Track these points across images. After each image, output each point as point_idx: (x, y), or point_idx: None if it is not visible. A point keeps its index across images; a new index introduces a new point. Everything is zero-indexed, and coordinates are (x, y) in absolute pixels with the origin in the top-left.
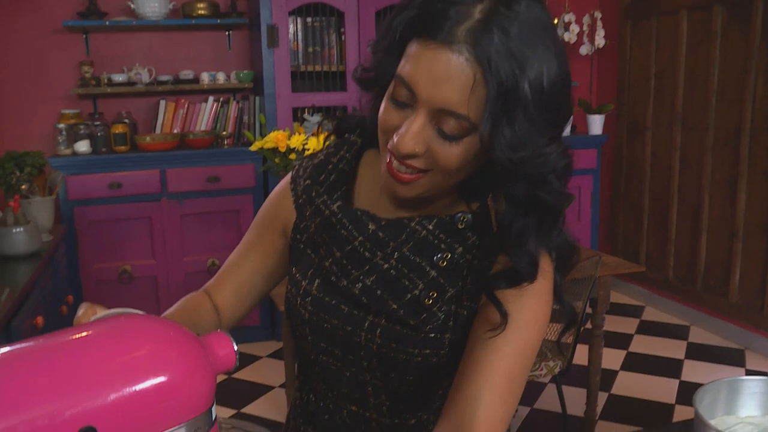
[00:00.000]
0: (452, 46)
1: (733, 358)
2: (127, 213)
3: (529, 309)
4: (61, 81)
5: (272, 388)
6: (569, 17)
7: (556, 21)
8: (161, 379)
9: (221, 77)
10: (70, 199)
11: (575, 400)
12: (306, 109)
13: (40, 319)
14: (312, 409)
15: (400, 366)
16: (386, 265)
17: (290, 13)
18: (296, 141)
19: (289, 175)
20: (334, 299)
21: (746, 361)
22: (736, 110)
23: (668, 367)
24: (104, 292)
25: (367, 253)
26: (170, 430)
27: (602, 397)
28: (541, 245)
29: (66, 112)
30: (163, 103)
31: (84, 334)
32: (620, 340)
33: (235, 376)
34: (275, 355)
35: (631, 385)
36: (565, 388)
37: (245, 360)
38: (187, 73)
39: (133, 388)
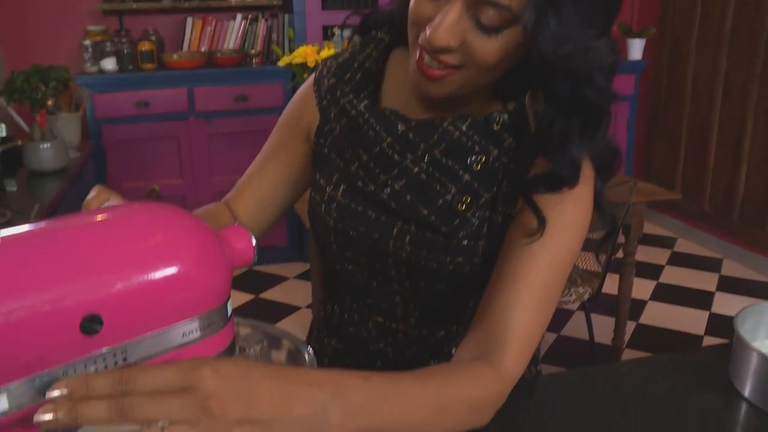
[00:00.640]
0: None
1: (766, 291)
2: (155, 132)
3: (569, 215)
4: None
5: (299, 308)
6: None
7: None
8: (173, 268)
9: None
10: (98, 117)
11: (603, 328)
12: (336, 28)
13: None
14: (336, 321)
15: (431, 275)
16: (416, 169)
17: None
18: (326, 55)
19: (312, 76)
20: (361, 205)
21: None
22: None
23: (699, 299)
24: None
25: (396, 156)
26: (181, 322)
27: (630, 326)
28: (584, 148)
29: (92, 28)
30: (189, 20)
31: (93, 218)
32: (651, 271)
33: (262, 296)
34: (302, 276)
35: (660, 315)
36: (594, 317)
37: (272, 281)
38: None
39: (143, 277)
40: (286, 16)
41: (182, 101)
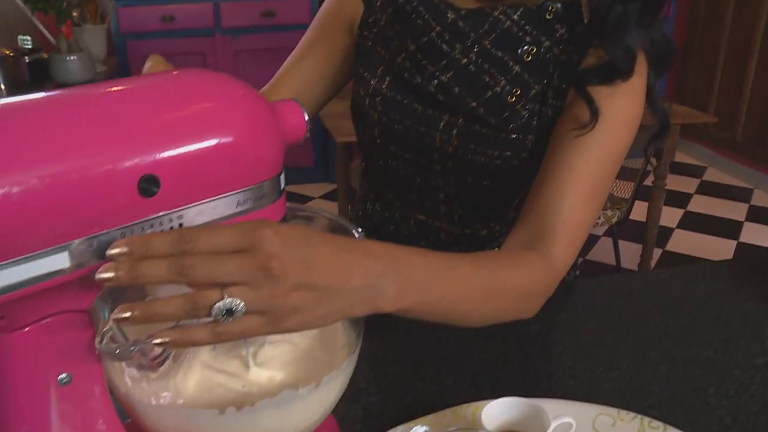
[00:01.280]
0: None
1: None
2: (180, 48)
3: (621, 108)
4: None
5: None
6: None
7: None
8: (228, 135)
9: None
10: (122, 32)
11: (630, 254)
12: None
13: None
14: (377, 219)
15: (478, 170)
16: (465, 60)
17: None
18: None
19: None
20: (407, 98)
21: None
22: None
23: (727, 228)
24: None
25: (444, 46)
26: (236, 191)
27: (657, 253)
28: (640, 38)
29: None
30: None
31: (151, 81)
32: (679, 199)
33: None
34: (328, 196)
35: (687, 242)
36: (620, 243)
37: (298, 200)
38: None
39: (199, 142)
40: None
41: (208, 16)
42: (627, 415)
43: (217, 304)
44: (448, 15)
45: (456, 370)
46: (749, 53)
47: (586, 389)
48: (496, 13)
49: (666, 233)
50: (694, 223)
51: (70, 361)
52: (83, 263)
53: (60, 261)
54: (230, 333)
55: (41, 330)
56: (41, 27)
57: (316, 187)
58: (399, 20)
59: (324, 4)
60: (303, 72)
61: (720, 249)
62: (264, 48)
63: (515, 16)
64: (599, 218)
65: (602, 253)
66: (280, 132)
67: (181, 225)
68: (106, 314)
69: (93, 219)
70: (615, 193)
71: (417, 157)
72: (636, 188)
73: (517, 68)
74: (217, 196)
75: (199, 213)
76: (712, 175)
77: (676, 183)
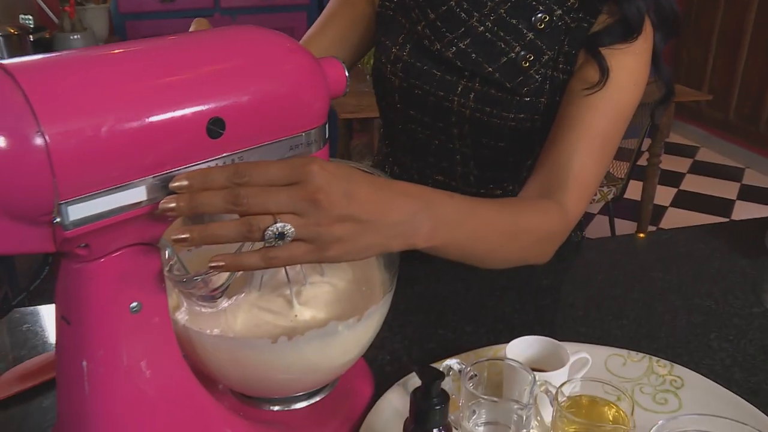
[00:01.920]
0: None
1: None
2: (180, 28)
3: (629, 67)
4: None
5: None
6: None
7: None
8: (284, 85)
9: None
10: (121, 12)
11: (625, 231)
12: None
13: None
14: None
15: (493, 132)
16: (481, 28)
17: None
18: None
19: None
20: (426, 64)
21: None
22: None
23: (719, 206)
24: None
25: (462, 14)
26: (289, 137)
27: (651, 231)
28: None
29: None
30: None
31: (216, 36)
32: (672, 178)
33: None
34: None
35: (680, 220)
36: (616, 221)
37: None
38: None
39: (260, 89)
40: None
41: None
42: (636, 356)
43: (271, 228)
44: None
45: (475, 319)
46: (742, 35)
47: (597, 335)
48: None
49: (660, 211)
50: (687, 201)
51: (140, 291)
52: (156, 197)
53: (138, 194)
54: (280, 258)
55: (116, 260)
56: (44, 6)
57: None
58: None
59: None
60: (326, 38)
61: None
62: None
63: None
64: (596, 195)
65: (598, 230)
66: (326, 85)
67: None
68: (170, 250)
69: (167, 157)
70: (612, 171)
71: (435, 121)
72: (632, 166)
73: (530, 35)
74: (273, 141)
75: (257, 155)
76: (704, 155)
77: (669, 163)
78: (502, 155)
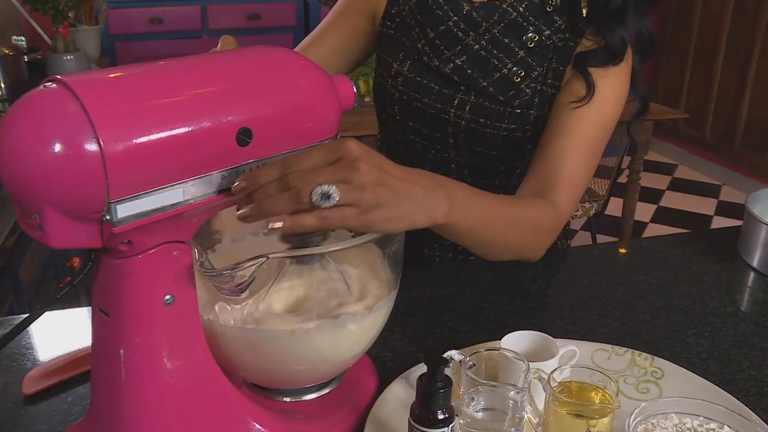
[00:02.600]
0: None
1: None
2: (168, 49)
3: (612, 84)
4: None
5: None
6: None
7: None
8: (303, 99)
9: None
10: (111, 33)
11: None
12: None
13: None
14: None
15: (487, 141)
16: (477, 46)
17: None
18: None
19: None
20: (425, 79)
21: None
22: None
23: (697, 222)
24: None
25: (460, 33)
26: (307, 146)
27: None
28: (634, 25)
29: None
30: None
31: (244, 55)
32: (652, 195)
33: None
34: None
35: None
36: (598, 237)
37: None
38: None
39: (282, 103)
40: None
41: (195, 18)
42: (620, 350)
43: (316, 189)
44: (464, 6)
45: (469, 319)
46: (715, 55)
47: (583, 333)
48: (504, 5)
49: (640, 227)
50: (667, 217)
51: (173, 285)
52: (193, 198)
53: (176, 195)
54: (331, 219)
55: (153, 256)
56: (37, 27)
57: None
58: (421, 10)
59: None
60: (323, 48)
61: None
62: None
63: (521, 8)
64: (578, 210)
65: (580, 244)
66: (337, 99)
67: None
68: (199, 248)
69: (202, 162)
70: (593, 188)
71: (433, 131)
72: (612, 183)
73: (521, 53)
74: (292, 149)
75: None
76: (682, 172)
77: (649, 180)
78: (494, 164)
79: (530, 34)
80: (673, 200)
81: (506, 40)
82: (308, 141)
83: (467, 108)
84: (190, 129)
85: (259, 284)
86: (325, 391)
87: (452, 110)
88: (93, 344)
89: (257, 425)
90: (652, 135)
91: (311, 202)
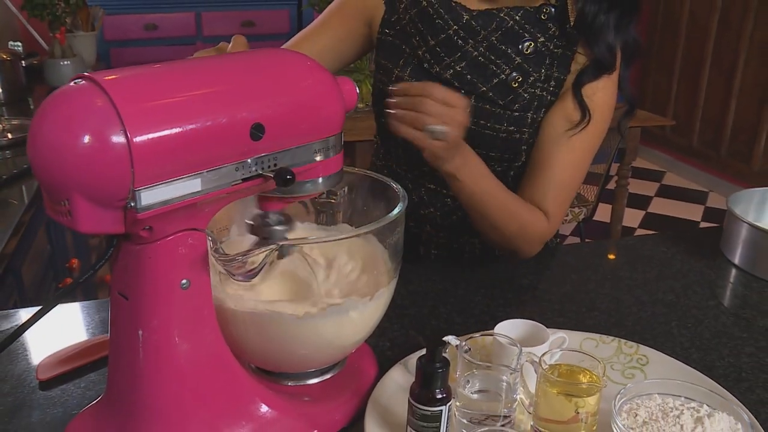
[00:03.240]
0: None
1: None
2: (163, 56)
3: (602, 102)
4: None
5: None
6: None
7: None
8: (310, 97)
9: None
10: (107, 39)
11: None
12: None
13: None
14: None
15: (486, 142)
16: (476, 53)
17: None
18: None
19: None
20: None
21: None
22: None
23: (685, 228)
24: None
25: (459, 41)
26: (315, 141)
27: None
28: (619, 36)
29: None
30: None
31: (256, 56)
32: (640, 201)
33: None
34: None
35: None
36: (587, 242)
37: None
38: None
39: (292, 100)
40: None
41: (190, 25)
42: (607, 339)
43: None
44: (464, 15)
45: (464, 311)
46: (702, 65)
47: (572, 324)
48: (501, 14)
49: (629, 233)
50: (655, 223)
51: (189, 270)
52: (209, 188)
53: (195, 185)
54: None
55: (171, 243)
56: (35, 33)
57: None
58: (422, 20)
59: None
60: (316, 45)
61: None
62: None
63: (517, 17)
64: (567, 215)
65: None
66: (342, 99)
67: (275, 165)
68: (213, 236)
69: (218, 154)
70: (583, 194)
71: None
72: (601, 189)
73: (518, 59)
74: (301, 145)
75: (288, 156)
76: (670, 179)
77: (637, 187)
78: (491, 165)
79: (526, 42)
80: (662, 206)
81: (503, 47)
82: (315, 137)
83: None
84: (208, 123)
85: (270, 269)
86: (328, 376)
87: None
88: (111, 326)
89: (265, 405)
90: (641, 142)
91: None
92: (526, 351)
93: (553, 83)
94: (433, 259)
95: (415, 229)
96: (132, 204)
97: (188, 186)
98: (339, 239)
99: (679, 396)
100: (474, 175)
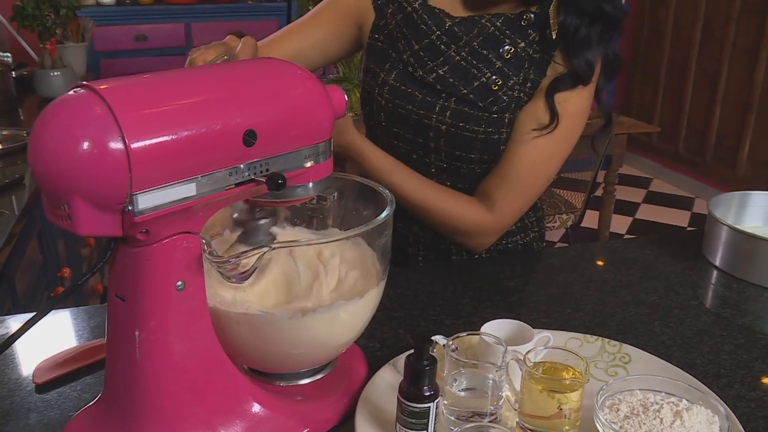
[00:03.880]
0: None
1: None
2: (153, 66)
3: (574, 104)
4: None
5: None
6: None
7: None
8: (301, 105)
9: None
10: (96, 50)
11: None
12: None
13: None
14: None
15: (466, 144)
16: (458, 57)
17: None
18: None
19: None
20: (410, 87)
21: None
22: None
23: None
24: None
25: (442, 46)
26: (305, 148)
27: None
28: (599, 52)
29: None
30: None
31: (250, 65)
32: (627, 208)
33: None
34: None
35: None
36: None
37: None
38: None
39: (283, 108)
40: None
41: (180, 36)
42: (591, 338)
43: None
44: (447, 22)
45: (452, 313)
46: (686, 72)
47: (557, 324)
48: (483, 21)
49: (616, 239)
50: (642, 229)
51: (185, 272)
52: (204, 192)
53: (189, 189)
54: None
55: (167, 246)
56: (24, 44)
57: None
58: (406, 25)
59: None
60: (305, 40)
61: None
62: None
63: (498, 23)
64: (555, 222)
65: None
66: (331, 107)
67: (267, 170)
68: (207, 239)
69: (212, 160)
70: (570, 200)
71: (415, 136)
72: (588, 196)
73: (499, 63)
74: (291, 150)
75: (280, 161)
76: (657, 185)
77: (625, 193)
78: (471, 167)
79: (507, 47)
80: (649, 213)
81: (485, 52)
82: (305, 143)
83: (448, 114)
84: (203, 130)
85: (262, 271)
86: (319, 376)
87: (434, 116)
88: (108, 328)
89: (259, 404)
90: (628, 150)
91: None
92: (512, 349)
93: (529, 84)
94: (421, 260)
95: (403, 230)
96: (129, 208)
97: (183, 190)
98: (329, 242)
99: (660, 391)
100: (372, 170)
